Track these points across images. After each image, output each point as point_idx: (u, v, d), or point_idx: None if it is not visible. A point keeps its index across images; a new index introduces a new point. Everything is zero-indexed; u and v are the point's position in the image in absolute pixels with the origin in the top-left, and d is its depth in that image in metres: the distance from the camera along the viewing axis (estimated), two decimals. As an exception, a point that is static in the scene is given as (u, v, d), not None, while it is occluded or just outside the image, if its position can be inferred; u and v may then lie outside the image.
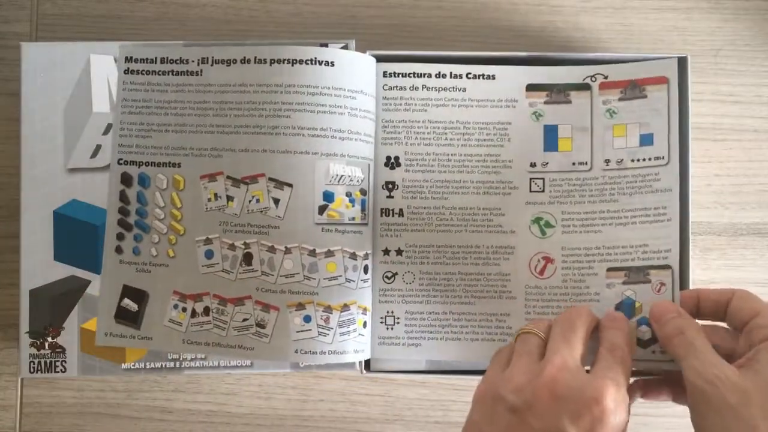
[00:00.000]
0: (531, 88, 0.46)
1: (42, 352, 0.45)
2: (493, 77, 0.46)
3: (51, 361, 0.45)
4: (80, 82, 0.45)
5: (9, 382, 0.51)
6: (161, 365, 0.45)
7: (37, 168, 0.45)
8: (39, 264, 0.45)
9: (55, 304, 0.45)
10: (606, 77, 0.46)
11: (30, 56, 0.45)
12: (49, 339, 0.45)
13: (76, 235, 0.45)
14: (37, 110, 0.45)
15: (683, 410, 0.53)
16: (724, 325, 0.40)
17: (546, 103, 0.46)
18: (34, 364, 0.45)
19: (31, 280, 0.45)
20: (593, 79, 0.46)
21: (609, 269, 0.44)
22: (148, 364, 0.45)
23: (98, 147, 0.45)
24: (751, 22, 0.52)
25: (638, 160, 0.45)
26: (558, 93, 0.46)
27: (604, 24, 0.52)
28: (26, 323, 0.45)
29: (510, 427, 0.34)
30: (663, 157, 0.45)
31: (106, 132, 0.45)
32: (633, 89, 0.45)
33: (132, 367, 0.45)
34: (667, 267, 0.44)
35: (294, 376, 0.51)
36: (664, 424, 0.52)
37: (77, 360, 0.45)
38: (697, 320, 0.39)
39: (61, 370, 0.45)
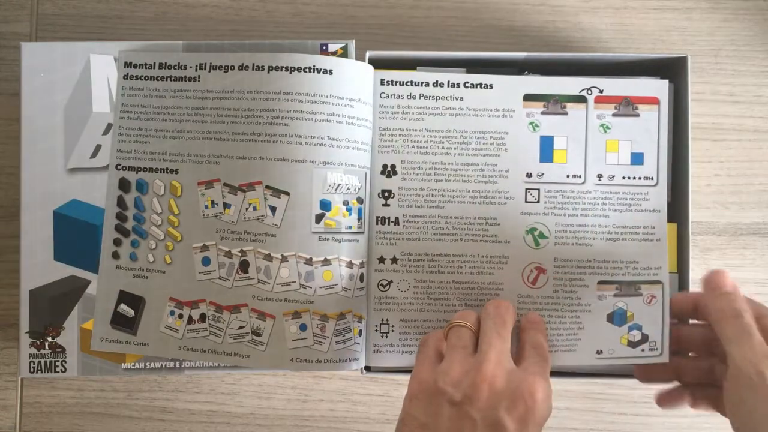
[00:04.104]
0: (528, 98, 0.46)
1: (42, 352, 0.45)
2: (491, 86, 0.46)
3: (51, 361, 0.45)
4: (80, 82, 0.45)
5: (9, 382, 0.51)
6: (161, 365, 0.45)
7: (37, 168, 0.45)
8: (39, 264, 0.45)
9: (55, 304, 0.45)
10: (601, 91, 0.46)
11: (30, 56, 0.45)
12: (49, 339, 0.45)
13: (76, 235, 0.45)
14: (37, 110, 0.45)
15: (683, 410, 0.53)
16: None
17: (543, 113, 0.46)
18: (34, 364, 0.45)
19: (31, 280, 0.45)
20: (589, 92, 0.46)
21: (600, 282, 0.45)
22: (148, 364, 0.45)
23: (98, 147, 0.45)
24: (751, 22, 0.52)
25: (629, 178, 0.45)
26: (555, 104, 0.46)
27: (604, 24, 0.52)
28: (26, 323, 0.45)
29: (451, 419, 0.35)
30: (652, 178, 0.45)
31: (106, 132, 0.45)
32: (626, 106, 0.46)
33: (132, 367, 0.45)
34: (657, 282, 0.44)
35: (294, 376, 0.52)
36: (664, 423, 0.52)
37: (77, 360, 0.45)
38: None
39: (61, 370, 0.45)
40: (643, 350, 0.44)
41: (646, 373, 0.44)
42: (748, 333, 0.36)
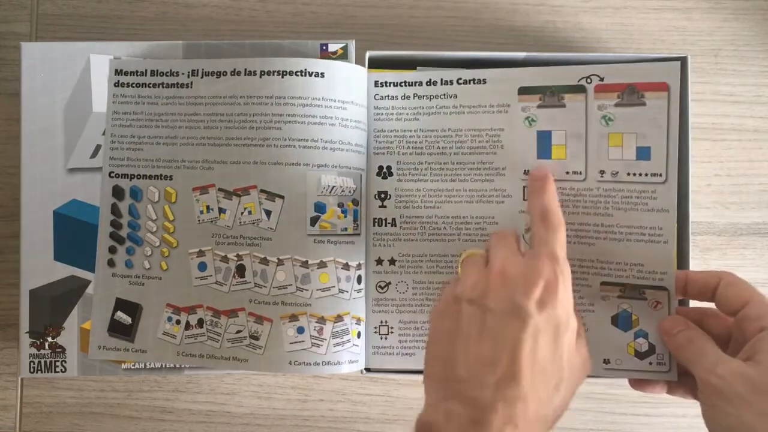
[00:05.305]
0: (523, 91, 0.44)
1: (42, 352, 0.45)
2: (484, 81, 0.45)
3: (51, 361, 0.45)
4: (80, 82, 0.45)
5: (9, 382, 0.51)
6: (161, 365, 0.45)
7: (37, 168, 0.45)
8: (39, 264, 0.45)
9: (55, 304, 0.45)
10: (602, 79, 0.43)
11: (30, 56, 0.45)
12: (49, 339, 0.45)
13: (76, 235, 0.45)
14: (37, 110, 0.45)
15: (683, 411, 0.53)
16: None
17: (539, 107, 0.44)
18: (34, 364, 0.45)
19: (31, 280, 0.45)
20: (588, 80, 0.43)
21: (603, 283, 0.44)
22: (147, 364, 0.45)
23: (98, 147, 0.45)
24: (751, 22, 0.52)
25: (634, 175, 0.43)
26: (551, 96, 0.44)
27: (604, 24, 0.52)
28: (26, 323, 0.45)
29: (473, 316, 0.36)
30: (660, 174, 0.43)
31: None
32: (631, 94, 0.43)
33: (132, 367, 0.45)
34: (663, 289, 0.43)
35: (294, 376, 0.52)
36: (664, 423, 0.52)
37: (77, 360, 0.45)
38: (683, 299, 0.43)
39: (61, 370, 0.45)
40: (650, 363, 0.43)
41: (638, 381, 0.44)
42: (703, 351, 0.39)
